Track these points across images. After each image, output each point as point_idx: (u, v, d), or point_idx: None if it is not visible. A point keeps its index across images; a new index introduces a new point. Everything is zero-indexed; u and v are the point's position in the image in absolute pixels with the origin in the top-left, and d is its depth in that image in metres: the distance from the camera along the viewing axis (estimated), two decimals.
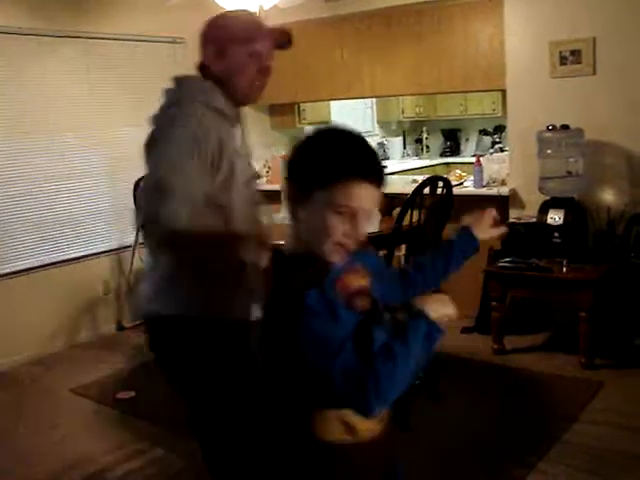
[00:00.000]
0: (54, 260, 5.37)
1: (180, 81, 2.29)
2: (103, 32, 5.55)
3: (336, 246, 1.54)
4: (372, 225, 4.20)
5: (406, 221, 3.62)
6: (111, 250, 5.73)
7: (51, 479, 3.49)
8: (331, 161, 1.51)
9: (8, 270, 5.08)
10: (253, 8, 4.45)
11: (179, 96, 2.24)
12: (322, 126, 1.66)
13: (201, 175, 2.10)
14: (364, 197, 1.52)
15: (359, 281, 1.62)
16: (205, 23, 2.28)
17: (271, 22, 4.96)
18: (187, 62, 5.87)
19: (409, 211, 3.60)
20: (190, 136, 2.10)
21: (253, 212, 2.32)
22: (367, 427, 1.60)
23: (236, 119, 2.30)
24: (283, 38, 2.30)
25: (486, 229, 2.01)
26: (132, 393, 4.37)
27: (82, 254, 5.55)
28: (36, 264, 5.25)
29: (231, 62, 2.22)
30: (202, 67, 2.28)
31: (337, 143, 1.55)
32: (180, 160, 2.08)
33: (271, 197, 2.94)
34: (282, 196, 3.28)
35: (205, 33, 2.28)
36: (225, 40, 2.22)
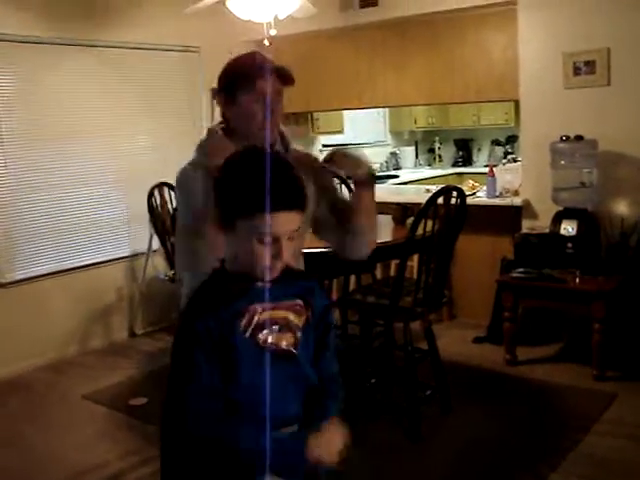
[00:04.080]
0: (68, 267, 5.40)
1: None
2: (119, 41, 5.60)
3: (266, 269, 1.65)
4: (385, 235, 4.21)
5: (419, 231, 3.62)
6: (125, 257, 5.76)
7: None
8: (249, 194, 1.59)
9: (22, 276, 5.11)
10: (268, 18, 4.48)
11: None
12: (240, 152, 1.74)
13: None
14: (284, 224, 1.62)
15: (282, 315, 1.70)
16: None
17: (286, 32, 5.02)
18: (201, 71, 5.99)
19: (423, 221, 3.60)
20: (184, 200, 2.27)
21: None
22: None
23: None
24: (286, 74, 2.28)
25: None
26: (144, 399, 4.37)
27: (96, 261, 5.58)
28: (50, 270, 5.28)
29: (240, 109, 2.27)
30: (222, 113, 2.36)
31: (254, 174, 1.61)
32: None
33: None
34: None
35: (218, 80, 2.33)
36: (233, 88, 2.27)
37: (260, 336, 1.66)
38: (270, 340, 1.67)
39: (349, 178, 2.43)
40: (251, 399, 1.66)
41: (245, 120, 2.27)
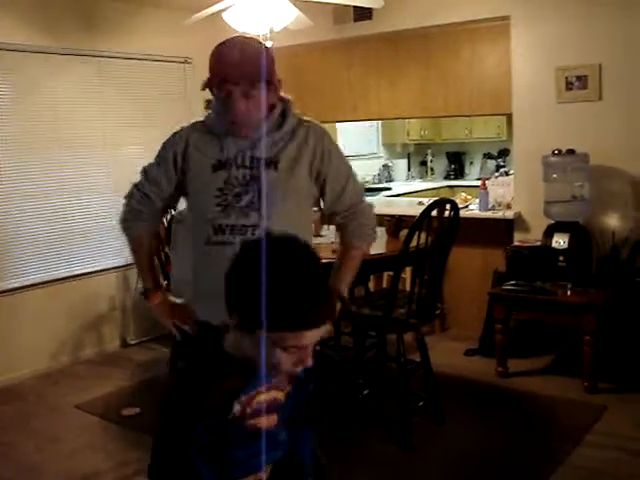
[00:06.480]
0: (60, 276, 5.39)
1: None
2: (115, 51, 5.62)
3: (288, 373, 1.59)
4: (378, 247, 4.24)
5: (413, 243, 3.64)
6: (117, 267, 5.75)
7: None
8: (280, 311, 1.44)
9: (14, 285, 5.10)
10: (264, 30, 4.51)
11: None
12: (262, 244, 1.49)
13: (162, 175, 2.50)
14: (313, 337, 1.51)
15: (273, 395, 1.63)
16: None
17: (281, 44, 5.04)
18: (196, 82, 6.00)
19: (416, 233, 3.62)
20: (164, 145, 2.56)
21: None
22: None
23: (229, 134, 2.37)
24: (254, 76, 2.24)
25: None
26: (137, 409, 4.37)
27: (88, 270, 5.58)
28: (42, 279, 5.27)
29: (218, 100, 2.33)
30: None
31: (285, 283, 1.44)
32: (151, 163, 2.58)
33: None
34: None
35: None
36: (209, 81, 2.31)
37: (252, 421, 1.59)
38: (264, 426, 1.61)
39: None
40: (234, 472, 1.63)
41: (221, 111, 2.34)
